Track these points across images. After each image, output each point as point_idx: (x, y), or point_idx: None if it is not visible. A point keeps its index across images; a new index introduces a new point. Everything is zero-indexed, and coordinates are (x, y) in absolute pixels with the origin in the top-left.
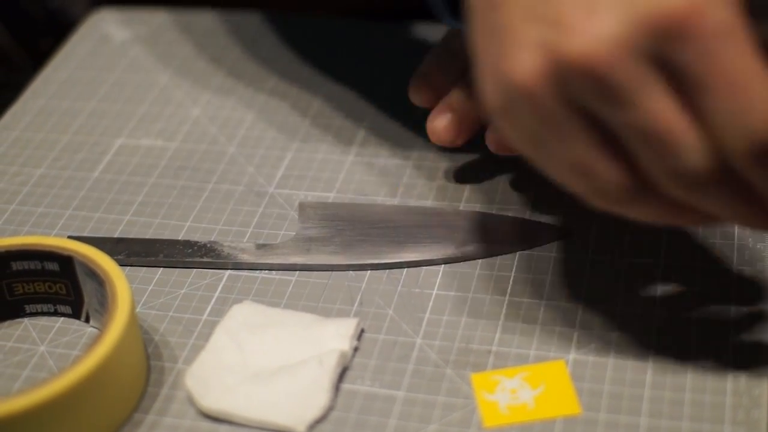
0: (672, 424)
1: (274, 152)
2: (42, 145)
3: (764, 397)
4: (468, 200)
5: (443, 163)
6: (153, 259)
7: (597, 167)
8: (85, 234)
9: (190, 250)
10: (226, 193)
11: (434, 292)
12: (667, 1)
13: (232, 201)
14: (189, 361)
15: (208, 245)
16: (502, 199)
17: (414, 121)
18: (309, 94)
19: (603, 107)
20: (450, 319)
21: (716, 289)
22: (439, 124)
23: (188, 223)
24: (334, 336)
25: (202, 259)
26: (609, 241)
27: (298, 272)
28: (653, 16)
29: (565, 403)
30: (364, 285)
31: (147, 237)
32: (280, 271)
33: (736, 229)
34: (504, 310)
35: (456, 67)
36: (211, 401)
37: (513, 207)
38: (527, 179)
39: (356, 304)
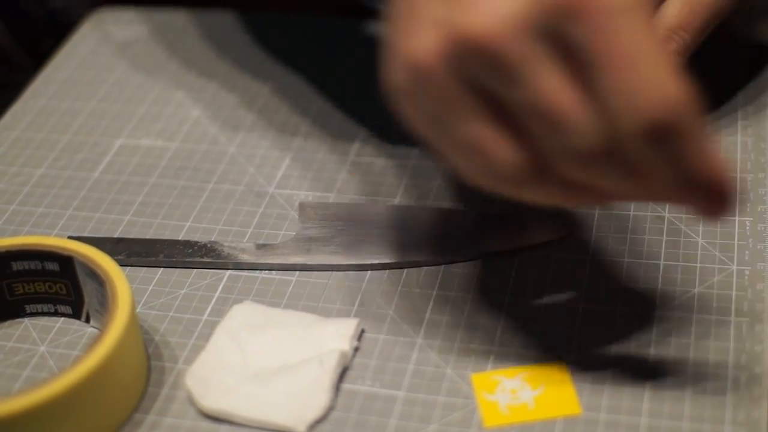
0: (672, 424)
1: (275, 152)
2: (42, 145)
3: (765, 397)
4: (468, 200)
5: (443, 164)
6: (153, 259)
7: (493, 147)
8: (85, 234)
9: (190, 251)
10: (226, 194)
11: (434, 292)
12: None
13: (232, 201)
14: (189, 361)
15: (209, 245)
16: (503, 200)
17: None
18: (309, 94)
19: (498, 85)
20: (450, 319)
21: (716, 289)
22: None
23: (188, 224)
24: (335, 336)
25: (202, 260)
26: (609, 241)
27: (298, 272)
28: None
29: (566, 403)
30: (364, 285)
31: (147, 237)
32: (281, 271)
33: (737, 229)
34: (504, 310)
35: None
36: (212, 401)
37: (513, 207)
38: None
39: (356, 304)
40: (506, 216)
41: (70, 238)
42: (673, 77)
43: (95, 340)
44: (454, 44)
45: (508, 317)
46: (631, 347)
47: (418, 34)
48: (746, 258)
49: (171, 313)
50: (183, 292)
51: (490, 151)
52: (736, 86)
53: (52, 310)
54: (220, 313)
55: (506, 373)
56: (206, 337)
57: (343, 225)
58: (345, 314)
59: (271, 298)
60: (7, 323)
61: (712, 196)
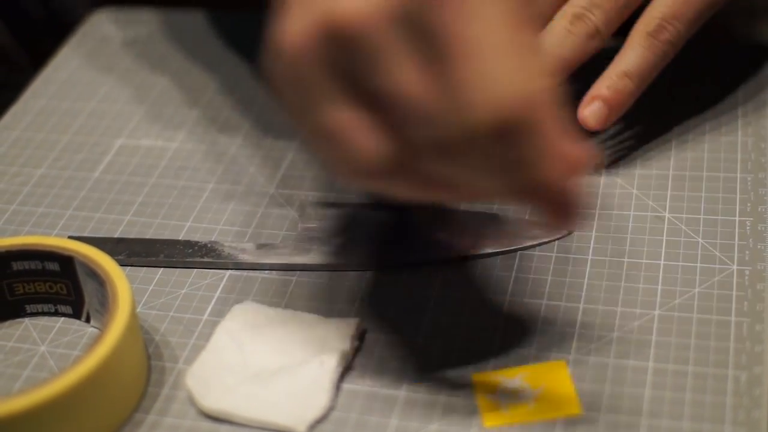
0: (672, 424)
1: (275, 152)
2: (42, 145)
3: (764, 397)
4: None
5: None
6: (153, 259)
7: (355, 136)
8: (85, 234)
9: (190, 250)
10: (226, 194)
11: (435, 292)
12: None
13: (232, 201)
14: (190, 361)
15: (209, 245)
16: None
17: None
18: None
19: (360, 72)
20: (450, 318)
21: (716, 289)
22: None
23: (189, 223)
24: (335, 336)
25: (202, 259)
26: (609, 241)
27: (298, 272)
28: None
29: (566, 403)
30: (365, 285)
31: (147, 237)
32: (281, 271)
33: (737, 229)
34: (505, 310)
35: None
36: (212, 401)
37: (513, 207)
38: None
39: (357, 304)
40: (506, 216)
41: (70, 238)
42: (528, 74)
43: (95, 340)
44: (320, 28)
45: (508, 317)
46: (631, 347)
47: (292, 18)
48: (746, 258)
49: (171, 313)
50: (183, 292)
51: (353, 140)
52: (736, 86)
53: (53, 310)
54: (220, 313)
55: (506, 373)
56: (206, 337)
57: (343, 225)
58: (345, 314)
59: (272, 298)
60: (7, 323)
61: (556, 205)
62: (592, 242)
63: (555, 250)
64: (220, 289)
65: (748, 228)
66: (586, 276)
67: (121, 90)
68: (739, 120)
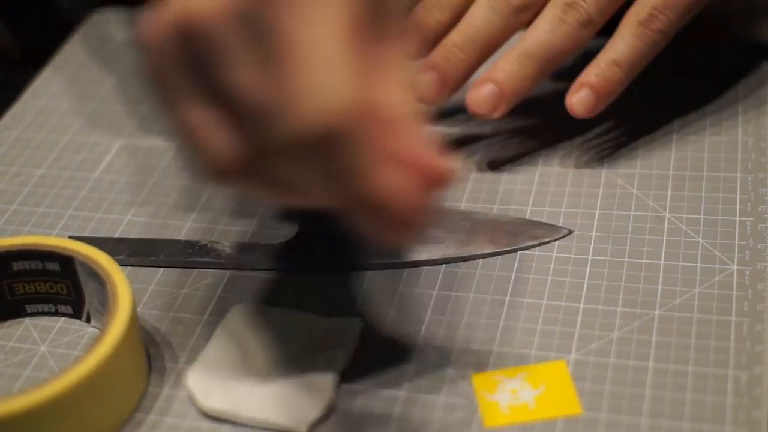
0: (673, 424)
1: None
2: (42, 145)
3: (765, 397)
4: (468, 200)
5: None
6: (154, 259)
7: (206, 134)
8: (85, 234)
9: (191, 251)
10: (226, 194)
11: (435, 292)
12: None
13: (232, 201)
14: (190, 361)
15: (209, 245)
16: (503, 199)
17: None
18: None
19: (208, 69)
20: (451, 319)
21: (717, 289)
22: (423, 82)
23: (189, 224)
24: (335, 336)
25: (203, 260)
26: (609, 241)
27: (298, 272)
28: None
29: (566, 403)
30: (365, 285)
31: (148, 237)
32: (281, 271)
33: (737, 229)
34: (505, 310)
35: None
36: (212, 401)
37: (513, 207)
38: (528, 179)
39: (357, 304)
40: (507, 216)
41: (70, 238)
42: (354, 85)
43: (96, 340)
44: (175, 23)
45: (508, 317)
46: (631, 347)
47: (155, 12)
48: (747, 258)
49: (171, 313)
50: (183, 292)
51: (205, 138)
52: (736, 86)
53: (53, 310)
54: (220, 313)
55: (507, 373)
56: (207, 337)
57: (343, 225)
58: (346, 314)
59: (272, 298)
60: (7, 323)
61: (385, 220)
62: (592, 242)
63: (555, 250)
64: (220, 289)
65: (748, 228)
66: (586, 276)
67: (121, 90)
68: (739, 120)
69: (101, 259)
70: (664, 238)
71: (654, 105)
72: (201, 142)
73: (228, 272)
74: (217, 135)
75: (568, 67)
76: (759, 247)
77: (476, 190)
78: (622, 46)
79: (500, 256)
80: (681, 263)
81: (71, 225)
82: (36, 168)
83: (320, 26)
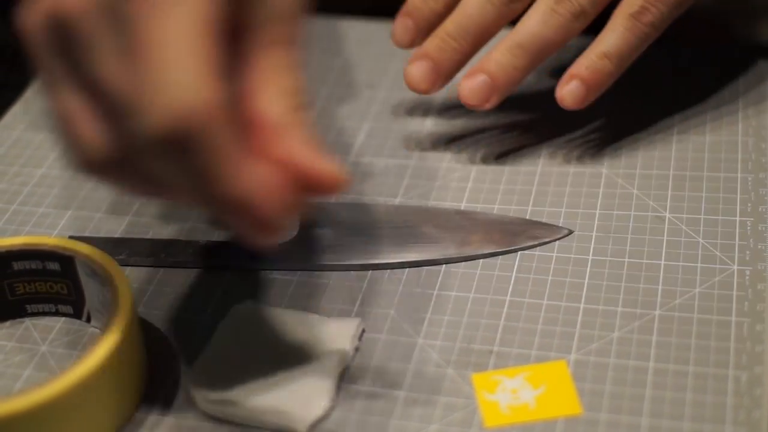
0: (673, 424)
1: None
2: (43, 145)
3: (765, 397)
4: (468, 200)
5: (443, 163)
6: (154, 259)
7: (77, 124)
8: (86, 234)
9: (191, 250)
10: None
11: (435, 292)
12: None
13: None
14: (190, 361)
15: (209, 245)
16: (503, 199)
17: (414, 121)
18: (309, 94)
19: (77, 58)
20: (451, 319)
21: (717, 289)
22: (416, 71)
23: (189, 223)
24: (336, 336)
25: (203, 259)
26: (609, 241)
27: (299, 272)
28: None
29: (567, 403)
30: (365, 285)
31: (148, 237)
32: (281, 271)
33: (737, 229)
34: (505, 310)
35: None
36: (212, 401)
37: (513, 207)
38: (528, 179)
39: (357, 304)
40: (507, 216)
41: (71, 238)
42: (205, 84)
43: (96, 340)
44: (47, 12)
45: (508, 317)
46: (631, 347)
47: (32, 1)
48: (747, 258)
49: (172, 313)
50: (183, 292)
51: (76, 128)
52: (736, 86)
53: (53, 310)
54: (220, 313)
55: (507, 373)
56: (207, 337)
57: (344, 225)
58: (345, 314)
59: (272, 298)
60: (8, 323)
61: (244, 221)
62: (592, 242)
63: (555, 250)
64: (220, 289)
65: (748, 228)
66: (586, 276)
67: None
68: (739, 120)
69: (102, 259)
70: (665, 238)
71: (654, 105)
72: (73, 132)
73: (228, 272)
74: (88, 126)
75: (570, 65)
76: (759, 247)
77: (476, 190)
78: (613, 39)
79: (500, 256)
80: (681, 263)
81: (72, 225)
82: (37, 168)
83: (176, 23)
